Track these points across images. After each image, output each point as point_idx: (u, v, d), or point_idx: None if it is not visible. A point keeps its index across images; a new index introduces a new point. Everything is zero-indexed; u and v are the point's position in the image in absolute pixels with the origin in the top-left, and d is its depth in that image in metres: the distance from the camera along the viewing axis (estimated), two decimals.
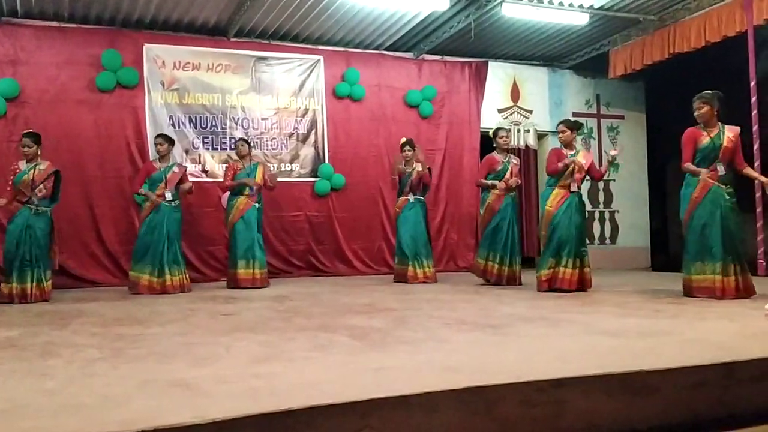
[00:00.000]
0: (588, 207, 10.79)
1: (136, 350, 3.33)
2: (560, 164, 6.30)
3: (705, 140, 5.49)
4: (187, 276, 7.29)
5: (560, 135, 6.57)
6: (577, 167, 6.32)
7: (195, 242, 8.63)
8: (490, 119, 10.30)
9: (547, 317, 4.43)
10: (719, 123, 5.57)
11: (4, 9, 7.90)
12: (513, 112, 10.45)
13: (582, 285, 6.21)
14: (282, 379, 2.58)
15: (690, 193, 5.52)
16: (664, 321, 4.20)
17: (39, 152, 6.56)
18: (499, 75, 10.46)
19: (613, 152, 6.66)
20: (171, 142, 7.46)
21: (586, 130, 10.95)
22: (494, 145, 7.49)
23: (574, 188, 6.31)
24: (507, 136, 7.53)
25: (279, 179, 8.92)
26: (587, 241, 6.60)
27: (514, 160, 7.52)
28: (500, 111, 10.45)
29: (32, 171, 6.45)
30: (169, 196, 7.13)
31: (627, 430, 2.59)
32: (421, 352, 3.17)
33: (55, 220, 6.66)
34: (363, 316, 4.63)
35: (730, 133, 5.50)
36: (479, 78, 10.30)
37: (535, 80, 10.67)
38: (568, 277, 6.13)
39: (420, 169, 7.99)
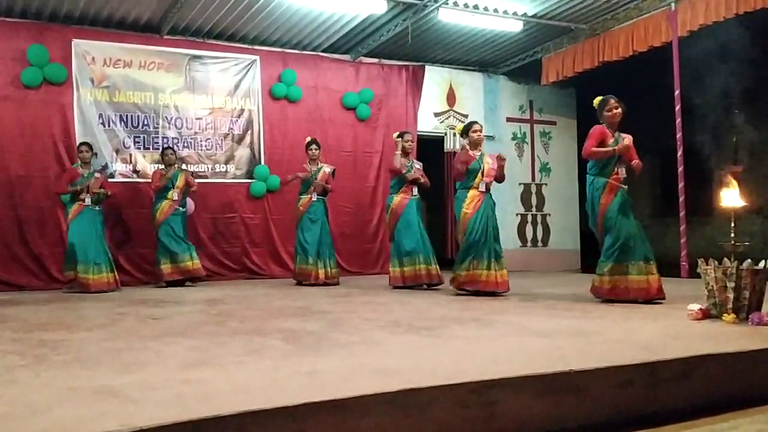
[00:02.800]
0: (520, 210, 11.08)
1: (61, 356, 3.20)
2: (459, 166, 6.33)
3: (611, 141, 5.52)
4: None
5: (477, 134, 6.47)
6: (486, 168, 6.34)
7: (126, 244, 8.39)
8: (426, 123, 10.40)
9: (480, 318, 4.49)
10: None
11: None
12: (449, 116, 10.56)
13: (505, 285, 6.20)
14: (212, 385, 2.52)
15: (599, 195, 5.49)
16: (592, 321, 4.32)
17: None
18: (435, 79, 10.57)
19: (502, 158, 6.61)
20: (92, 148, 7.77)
21: (519, 135, 11.18)
22: (399, 147, 7.40)
23: (482, 188, 6.32)
24: (412, 141, 7.52)
25: (213, 180, 8.99)
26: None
27: (417, 164, 7.50)
28: (436, 115, 10.55)
29: None
30: (88, 201, 7.37)
31: (557, 428, 2.65)
32: (354, 355, 3.16)
33: None
34: (297, 319, 4.59)
35: (626, 139, 5.56)
36: (416, 82, 10.38)
37: (470, 85, 10.83)
38: (485, 278, 6.11)
39: (327, 170, 8.01)
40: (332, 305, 5.55)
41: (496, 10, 8.50)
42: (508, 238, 10.84)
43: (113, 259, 7.59)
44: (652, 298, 5.32)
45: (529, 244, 11.13)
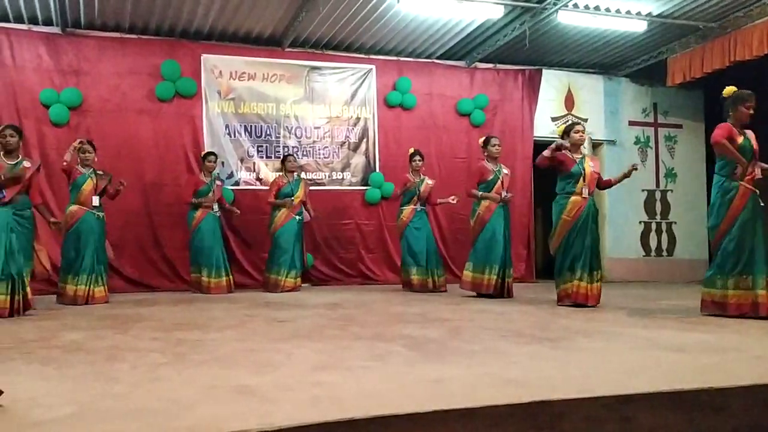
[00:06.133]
0: (644, 218, 10.63)
1: (198, 355, 3.38)
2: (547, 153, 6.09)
3: (741, 140, 5.14)
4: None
5: (580, 135, 6.14)
6: (589, 172, 6.03)
7: (248, 248, 8.77)
8: (543, 128, 10.19)
9: (606, 331, 4.35)
10: None
11: (68, 20, 8.18)
12: (567, 121, 10.25)
13: (595, 300, 5.89)
14: (343, 388, 2.58)
15: (730, 199, 5.11)
16: (729, 336, 4.07)
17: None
18: (553, 83, 10.34)
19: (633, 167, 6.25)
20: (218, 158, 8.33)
21: (642, 139, 10.75)
22: (485, 154, 7.26)
23: (585, 194, 5.99)
24: (499, 145, 7.26)
25: (330, 187, 9.23)
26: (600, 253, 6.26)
27: (505, 170, 7.31)
28: (554, 119, 10.32)
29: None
30: (215, 207, 7.90)
31: None
32: (479, 364, 3.13)
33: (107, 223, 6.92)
34: (417, 326, 4.61)
35: (751, 136, 5.22)
36: (532, 86, 10.20)
37: (590, 88, 10.52)
38: (584, 291, 5.84)
39: (430, 182, 8.07)
40: (450, 313, 5.54)
41: (618, 11, 8.21)
42: (630, 247, 10.47)
43: (237, 262, 7.98)
44: None
45: (653, 253, 10.65)
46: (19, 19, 8.10)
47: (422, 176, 8.11)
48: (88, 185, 6.60)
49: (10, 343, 3.83)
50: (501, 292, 6.97)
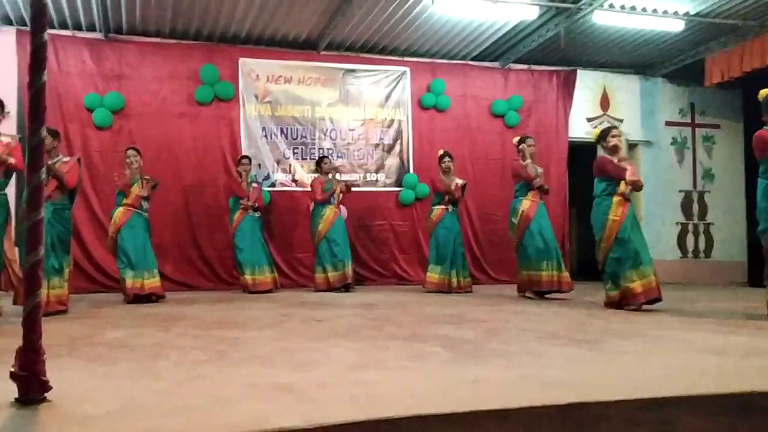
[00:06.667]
0: (680, 219, 10.49)
1: (238, 353, 3.45)
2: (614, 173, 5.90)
3: None
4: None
5: (619, 139, 6.08)
6: (629, 173, 5.86)
7: (285, 249, 8.87)
8: (578, 129, 10.12)
9: (644, 333, 4.31)
10: None
11: (111, 26, 8.38)
12: (603, 122, 10.17)
13: (659, 294, 5.74)
14: (382, 387, 2.62)
15: None
16: None
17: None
18: (588, 83, 10.27)
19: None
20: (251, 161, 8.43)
21: (679, 140, 10.60)
22: (520, 154, 7.35)
23: (628, 194, 5.91)
24: (534, 145, 7.41)
25: (364, 188, 9.24)
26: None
27: (539, 169, 7.40)
28: (589, 120, 10.24)
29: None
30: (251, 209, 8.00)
31: None
32: (516, 366, 3.14)
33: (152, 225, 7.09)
34: (452, 327, 4.63)
35: None
36: (567, 87, 10.14)
37: (626, 89, 10.42)
38: (656, 286, 5.71)
39: (459, 182, 8.06)
40: (485, 314, 5.54)
41: (654, 11, 8.13)
42: (667, 249, 10.33)
43: (274, 263, 8.12)
44: None
45: (689, 255, 10.51)
46: (63, 26, 8.33)
47: (452, 177, 8.10)
48: (135, 189, 6.80)
49: (57, 340, 3.94)
50: (562, 285, 7.05)
